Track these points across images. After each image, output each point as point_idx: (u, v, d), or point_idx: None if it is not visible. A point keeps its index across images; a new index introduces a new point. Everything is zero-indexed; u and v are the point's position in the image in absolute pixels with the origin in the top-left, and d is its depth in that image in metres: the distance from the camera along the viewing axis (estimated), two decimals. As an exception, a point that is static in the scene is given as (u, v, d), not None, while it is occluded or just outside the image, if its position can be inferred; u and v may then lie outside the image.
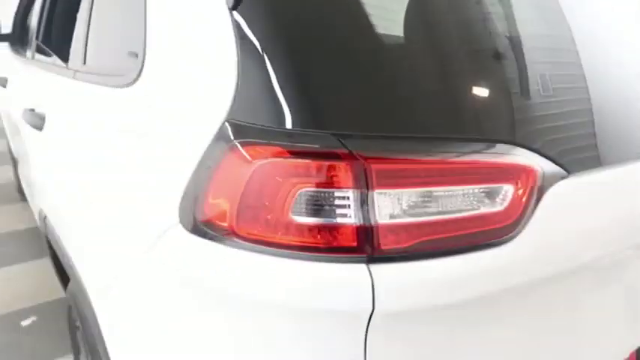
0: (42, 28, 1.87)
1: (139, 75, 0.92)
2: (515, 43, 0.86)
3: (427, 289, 0.66)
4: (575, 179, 0.76)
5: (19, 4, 2.69)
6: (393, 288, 0.65)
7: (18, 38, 2.65)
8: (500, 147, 0.71)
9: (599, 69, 0.92)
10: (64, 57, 1.48)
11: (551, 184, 0.73)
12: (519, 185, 0.69)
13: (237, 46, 0.73)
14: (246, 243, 0.66)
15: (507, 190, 0.69)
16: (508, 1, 0.87)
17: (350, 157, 0.64)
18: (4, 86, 2.16)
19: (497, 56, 0.81)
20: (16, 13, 2.70)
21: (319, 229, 0.64)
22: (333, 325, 0.66)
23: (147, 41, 0.92)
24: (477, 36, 0.82)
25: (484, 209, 0.68)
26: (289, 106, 0.67)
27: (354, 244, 0.64)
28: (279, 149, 0.65)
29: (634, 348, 1.05)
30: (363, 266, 0.64)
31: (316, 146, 0.65)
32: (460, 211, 0.66)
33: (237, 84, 0.71)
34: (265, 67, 0.71)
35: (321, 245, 0.64)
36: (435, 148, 0.68)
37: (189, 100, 0.79)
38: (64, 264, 1.14)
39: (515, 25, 0.88)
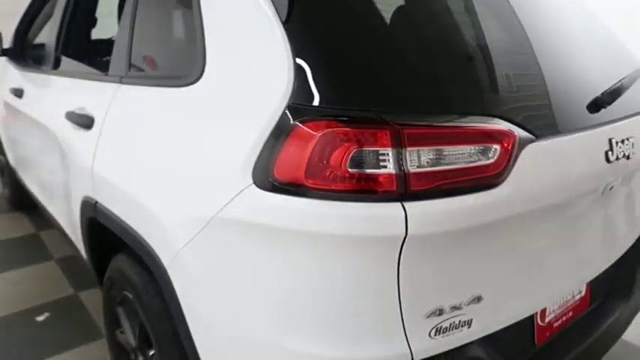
0: (63, 45, 2.06)
1: (200, 75, 1.16)
2: (492, 52, 1.17)
3: (444, 218, 0.93)
4: (542, 142, 1.05)
5: (20, 22, 2.85)
6: (419, 218, 0.91)
7: (19, 53, 2.81)
8: (489, 119, 0.99)
9: (551, 64, 1.23)
10: (101, 66, 1.70)
11: (525, 146, 1.01)
12: (503, 145, 0.97)
13: (291, 51, 0.99)
14: (314, 191, 0.91)
15: (496, 149, 0.96)
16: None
17: (388, 125, 0.90)
18: (20, 97, 2.33)
19: (485, 61, 1.12)
20: (17, 30, 2.87)
21: (367, 177, 0.90)
22: (380, 248, 0.92)
23: (207, 48, 1.16)
24: (471, 47, 1.12)
25: (480, 162, 0.95)
26: (342, 92, 0.94)
27: (393, 187, 0.90)
28: (337, 123, 0.91)
29: (592, 277, 1.36)
30: (398, 204, 0.90)
31: (363, 119, 0.91)
32: (465, 162, 0.94)
33: (294, 76, 0.96)
34: (316, 64, 0.98)
35: (369, 189, 0.90)
36: (446, 119, 0.96)
37: (254, 90, 1.03)
38: (125, 239, 1.34)
39: (490, 39, 1.19)
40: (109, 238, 1.61)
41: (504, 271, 1.08)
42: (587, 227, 1.27)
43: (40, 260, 2.98)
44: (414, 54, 1.07)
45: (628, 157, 1.24)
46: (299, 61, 0.98)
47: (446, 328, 1.02)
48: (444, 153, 0.92)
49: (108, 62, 1.66)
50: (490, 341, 1.11)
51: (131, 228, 1.30)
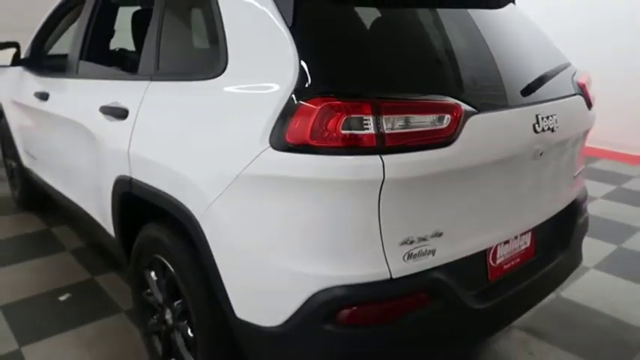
0: (87, 54, 2.40)
1: (223, 70, 1.51)
2: (448, 50, 1.55)
3: (411, 167, 1.28)
4: (483, 114, 1.41)
5: (36, 36, 3.17)
6: (393, 166, 1.26)
7: (35, 63, 3.13)
8: (444, 97, 1.36)
9: (494, 59, 1.61)
10: (128, 69, 2.04)
11: (470, 116, 1.38)
12: (453, 115, 1.33)
13: (295, 48, 1.34)
14: (316, 149, 1.26)
15: (448, 117, 1.32)
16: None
17: (369, 99, 1.25)
18: (45, 99, 2.64)
19: (442, 56, 1.51)
20: (34, 43, 3.18)
21: (355, 137, 1.25)
22: (365, 188, 1.26)
23: (228, 49, 1.51)
24: (431, 46, 1.51)
25: (436, 127, 1.31)
26: (334, 78, 1.30)
27: (374, 144, 1.25)
28: (332, 99, 1.26)
29: (532, 226, 1.72)
30: (377, 156, 1.25)
31: (351, 95, 1.26)
32: (425, 127, 1.29)
33: (298, 67, 1.32)
34: (314, 59, 1.33)
35: (356, 145, 1.25)
36: (413, 97, 1.32)
37: (268, 79, 1.38)
38: (160, 203, 1.67)
39: (447, 41, 1.57)
40: (138, 211, 1.94)
41: (459, 213, 1.44)
42: (525, 183, 1.63)
43: (55, 251, 3.25)
44: (387, 51, 1.44)
45: (552, 130, 1.61)
46: (301, 56, 1.33)
47: (415, 254, 1.37)
48: (410, 120, 1.28)
49: (134, 65, 1.99)
50: (451, 269, 1.46)
51: (166, 193, 1.63)
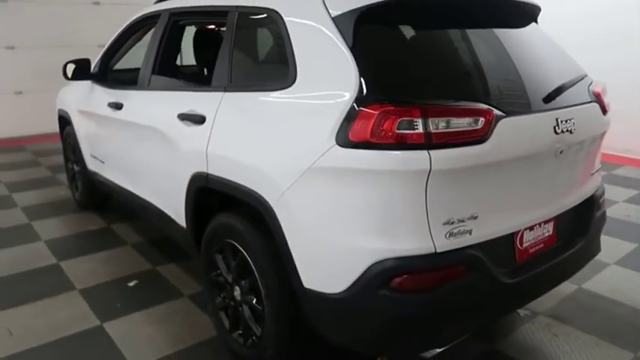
0: (159, 69, 2.76)
1: (293, 82, 1.83)
2: (482, 65, 1.85)
3: (452, 160, 1.57)
4: (511, 117, 1.70)
5: (104, 54, 3.57)
6: (437, 159, 1.55)
7: (102, 77, 3.52)
8: (478, 103, 1.65)
9: (520, 72, 1.90)
10: (201, 82, 2.38)
11: (500, 119, 1.67)
12: (486, 118, 1.62)
13: (355, 65, 1.66)
14: (376, 145, 1.56)
15: (482, 119, 1.61)
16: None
17: (418, 105, 1.56)
18: (120, 109, 3.01)
19: (477, 70, 1.81)
20: (102, 60, 3.58)
21: (407, 135, 1.55)
22: (414, 177, 1.56)
23: (297, 64, 1.83)
24: (468, 62, 1.82)
25: (472, 127, 1.60)
26: (389, 88, 1.60)
27: (422, 141, 1.55)
28: (388, 105, 1.56)
29: (557, 213, 2.00)
30: (425, 151, 1.55)
31: (403, 102, 1.57)
32: (464, 127, 1.59)
33: (359, 79, 1.63)
34: (371, 72, 1.64)
35: (408, 142, 1.55)
36: (453, 103, 1.62)
37: (333, 89, 1.70)
38: (236, 194, 1.99)
39: (480, 57, 1.87)
40: (208, 203, 2.26)
41: (491, 200, 1.73)
42: (548, 177, 1.91)
43: (117, 245, 3.62)
44: (429, 64, 1.76)
45: (571, 132, 1.89)
46: (360, 71, 1.64)
47: (455, 233, 1.66)
48: (451, 121, 1.57)
49: (207, 79, 2.33)
50: (485, 248, 1.74)
51: (242, 185, 1.94)
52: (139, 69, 2.97)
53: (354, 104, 1.61)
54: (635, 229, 3.82)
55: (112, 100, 3.11)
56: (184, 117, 2.31)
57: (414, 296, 1.65)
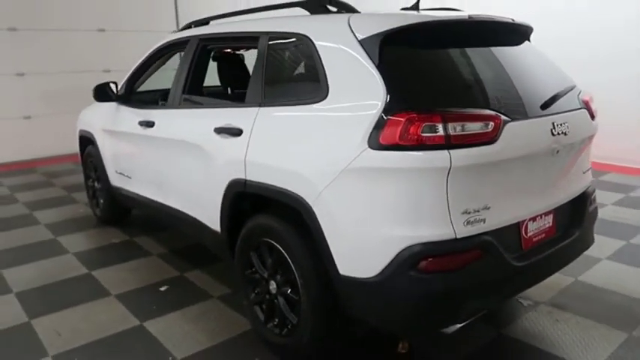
0: (189, 90, 3.05)
1: (325, 96, 2.12)
2: (491, 81, 2.16)
3: (468, 158, 1.86)
4: (516, 122, 2.00)
5: (130, 77, 3.85)
6: (456, 157, 1.84)
7: (127, 99, 3.79)
8: (489, 110, 1.95)
9: (521, 85, 2.21)
10: (234, 99, 2.67)
11: (507, 123, 1.96)
12: (495, 122, 1.91)
13: (382, 80, 1.95)
14: (405, 145, 1.84)
15: (492, 124, 1.90)
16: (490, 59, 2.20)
17: (439, 113, 1.85)
18: (151, 127, 3.27)
19: (487, 86, 2.12)
20: (128, 82, 3.85)
21: (430, 137, 1.84)
22: (437, 173, 1.84)
23: (328, 80, 2.12)
24: (480, 78, 2.14)
25: (484, 130, 1.89)
26: (412, 100, 1.90)
27: (443, 142, 1.83)
28: (413, 113, 1.85)
29: (554, 206, 2.29)
30: (446, 151, 1.84)
31: (426, 110, 1.86)
32: (477, 130, 1.88)
33: (386, 93, 1.92)
34: (396, 86, 1.93)
35: (431, 143, 1.84)
36: (467, 110, 1.91)
37: (363, 102, 1.98)
38: (275, 196, 2.26)
39: (489, 74, 2.19)
40: (243, 208, 2.52)
41: (501, 193, 2.01)
42: (547, 173, 2.21)
43: (143, 256, 3.84)
44: (445, 77, 2.06)
45: (565, 134, 2.19)
46: (387, 85, 1.93)
47: (472, 221, 1.93)
48: (467, 125, 1.86)
49: (240, 96, 2.62)
50: (497, 235, 2.01)
51: (280, 187, 2.21)
52: (163, 90, 3.25)
53: (383, 114, 1.90)
54: (624, 229, 4.13)
55: (142, 119, 3.38)
56: (221, 130, 2.58)
57: (438, 276, 1.91)
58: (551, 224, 2.36)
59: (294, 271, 2.24)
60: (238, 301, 2.87)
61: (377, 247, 1.95)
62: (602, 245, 3.73)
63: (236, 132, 2.49)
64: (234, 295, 3.10)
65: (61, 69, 7.54)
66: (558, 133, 2.16)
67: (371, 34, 2.06)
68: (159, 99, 3.76)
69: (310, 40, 2.26)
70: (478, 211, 1.95)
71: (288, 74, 2.54)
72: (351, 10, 2.37)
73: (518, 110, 2.09)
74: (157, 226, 4.38)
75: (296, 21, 2.45)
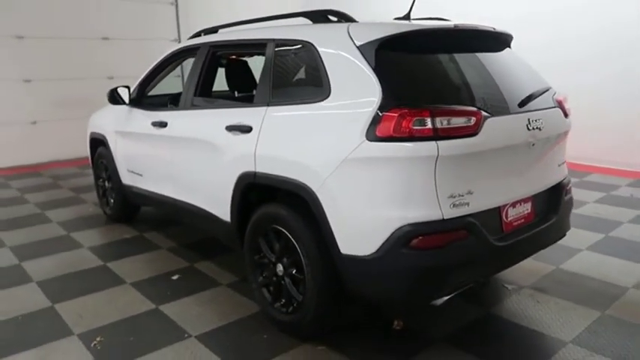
0: (200, 92, 3.32)
1: (328, 96, 2.39)
2: (473, 80, 2.44)
3: (453, 149, 2.13)
4: (495, 117, 2.28)
5: (142, 82, 4.12)
6: (443, 147, 2.11)
7: (139, 102, 4.06)
8: (471, 107, 2.23)
9: (501, 85, 2.50)
10: (243, 100, 2.94)
11: (487, 118, 2.24)
12: (477, 117, 2.19)
13: (378, 81, 2.23)
14: (399, 137, 2.11)
15: (474, 118, 2.18)
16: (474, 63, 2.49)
17: (428, 108, 2.12)
18: (165, 127, 3.54)
19: (469, 85, 2.40)
20: (140, 86, 4.12)
21: (420, 130, 2.11)
22: (426, 161, 2.11)
23: (330, 81, 2.40)
24: (463, 79, 2.42)
25: (467, 124, 2.17)
26: (404, 98, 2.17)
27: (431, 134, 2.11)
28: (405, 109, 2.13)
29: (533, 193, 2.57)
30: (434, 142, 2.11)
31: (416, 106, 2.14)
32: (461, 124, 2.15)
33: (381, 92, 2.19)
34: (390, 86, 2.21)
35: (421, 135, 2.11)
36: (452, 106, 2.19)
37: (360, 100, 2.26)
38: (282, 185, 2.52)
39: (471, 75, 2.47)
40: (251, 198, 2.79)
41: (482, 179, 2.29)
42: (524, 164, 2.49)
43: (153, 249, 4.08)
44: (433, 78, 2.35)
45: (540, 129, 2.47)
46: (382, 85, 2.21)
47: (457, 204, 2.21)
48: (452, 119, 2.14)
49: (248, 97, 2.89)
50: (479, 218, 2.28)
51: (288, 177, 2.47)
52: (174, 94, 3.51)
53: (379, 110, 2.17)
54: (603, 223, 4.42)
55: (156, 119, 3.64)
56: (232, 128, 2.85)
57: (428, 252, 2.18)
58: (529, 211, 2.64)
59: (300, 252, 2.50)
60: (247, 287, 3.11)
61: (374, 228, 2.22)
62: (582, 238, 4.02)
63: (246, 129, 2.76)
64: (242, 283, 3.34)
65: (67, 76, 7.79)
66: (533, 128, 2.45)
67: (368, 40, 2.34)
68: (168, 102, 4.02)
69: (314, 46, 2.54)
70: (462, 196, 2.22)
71: (294, 77, 2.81)
72: (349, 19, 2.66)
73: (497, 107, 2.37)
74: (165, 223, 4.63)
75: (300, 29, 2.73)
